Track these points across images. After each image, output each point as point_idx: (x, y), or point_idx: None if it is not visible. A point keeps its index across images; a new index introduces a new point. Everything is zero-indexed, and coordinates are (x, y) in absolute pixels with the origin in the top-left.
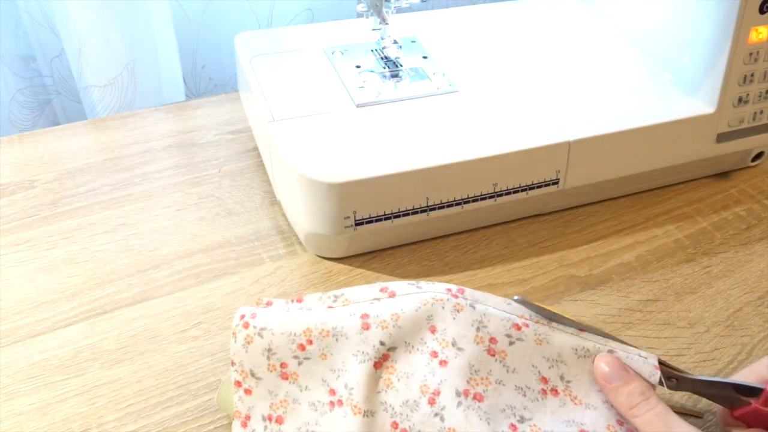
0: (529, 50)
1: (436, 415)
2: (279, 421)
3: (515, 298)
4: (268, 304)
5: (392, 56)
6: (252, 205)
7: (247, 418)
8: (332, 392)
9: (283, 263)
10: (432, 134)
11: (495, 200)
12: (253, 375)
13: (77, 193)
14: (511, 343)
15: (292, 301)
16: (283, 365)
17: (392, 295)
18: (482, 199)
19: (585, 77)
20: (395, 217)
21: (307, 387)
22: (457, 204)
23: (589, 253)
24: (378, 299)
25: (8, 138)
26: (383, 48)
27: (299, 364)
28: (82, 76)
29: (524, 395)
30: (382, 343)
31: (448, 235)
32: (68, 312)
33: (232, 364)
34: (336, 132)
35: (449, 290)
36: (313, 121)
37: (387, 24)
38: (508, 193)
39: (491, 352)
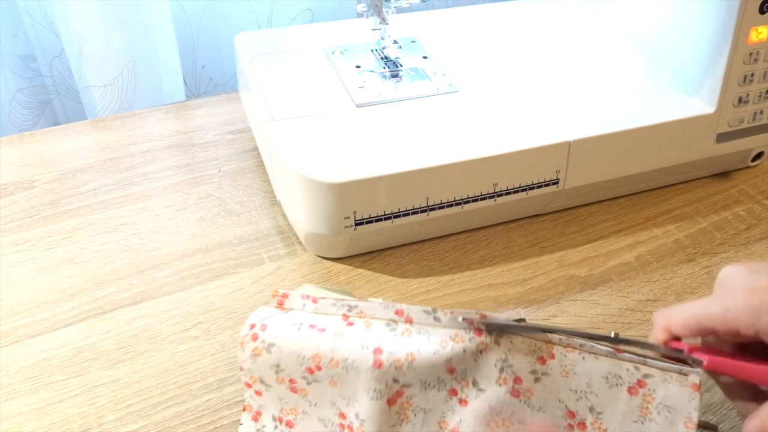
0: (529, 50)
1: None
2: (289, 425)
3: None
4: (284, 296)
5: (392, 56)
6: (252, 205)
7: (258, 414)
8: (343, 416)
9: (283, 263)
10: (432, 134)
11: (495, 200)
12: (262, 382)
13: (77, 193)
14: (536, 380)
15: (308, 297)
16: (292, 381)
17: (409, 320)
18: (482, 199)
19: (585, 77)
20: (395, 217)
21: (316, 404)
22: (457, 204)
23: (589, 253)
24: (395, 322)
25: (8, 138)
26: (383, 48)
27: (308, 384)
28: (82, 76)
29: None
30: (395, 381)
31: (448, 235)
32: (68, 312)
33: (241, 369)
34: (336, 132)
35: (471, 323)
36: (313, 121)
37: (387, 24)
38: (508, 193)
39: (515, 393)
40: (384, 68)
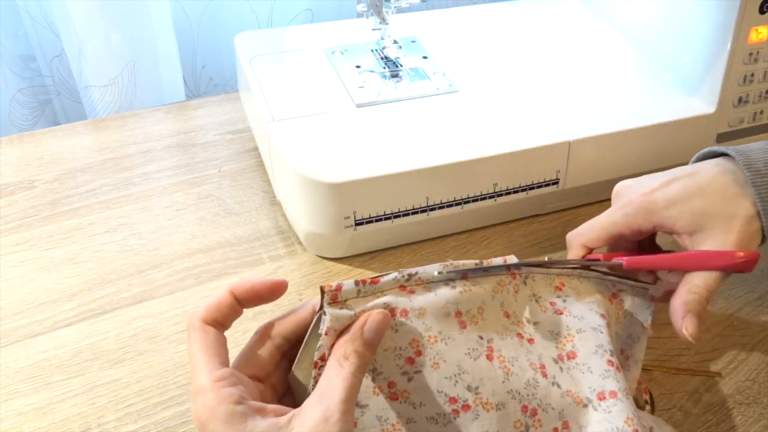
0: (529, 50)
1: (553, 384)
2: None
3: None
4: (338, 288)
5: (392, 56)
6: (252, 205)
7: None
8: (453, 400)
9: (283, 263)
10: (432, 134)
11: (495, 200)
12: (357, 404)
13: (77, 193)
14: (564, 301)
15: (363, 281)
16: (391, 384)
17: (464, 276)
18: (482, 199)
19: (585, 77)
20: (395, 217)
21: (422, 403)
22: (457, 204)
23: None
24: (453, 280)
25: (8, 138)
26: (383, 48)
27: (409, 380)
28: (82, 76)
29: (601, 332)
30: (480, 338)
31: (448, 235)
32: (68, 312)
33: None
34: (336, 132)
35: (509, 269)
36: (313, 121)
37: (387, 24)
38: (508, 193)
39: (558, 312)
40: (384, 68)
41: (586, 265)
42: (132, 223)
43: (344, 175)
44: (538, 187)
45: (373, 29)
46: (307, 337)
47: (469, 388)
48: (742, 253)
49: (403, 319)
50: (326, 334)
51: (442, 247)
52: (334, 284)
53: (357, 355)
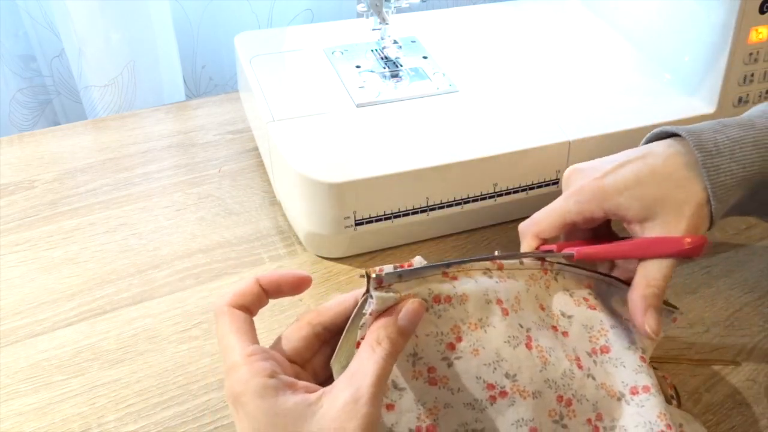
0: (529, 50)
1: (588, 376)
2: (431, 430)
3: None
4: (381, 270)
5: (392, 56)
6: (252, 205)
7: None
8: (491, 387)
9: (283, 263)
10: (432, 134)
11: (495, 200)
12: (395, 387)
13: (77, 193)
14: (596, 298)
15: (402, 266)
16: (431, 370)
17: (500, 267)
18: (482, 199)
19: (585, 77)
20: (395, 217)
21: (459, 389)
22: (457, 204)
23: None
24: (489, 270)
25: (8, 138)
26: (383, 48)
27: (449, 366)
28: (82, 76)
29: (631, 330)
30: (520, 326)
31: (448, 235)
32: (68, 312)
33: None
34: (336, 132)
35: (542, 262)
36: (313, 121)
37: (387, 24)
38: (508, 193)
39: (592, 307)
40: (384, 68)
41: (540, 257)
42: (132, 223)
43: (344, 175)
44: (538, 187)
45: (373, 29)
46: (350, 321)
47: (507, 375)
48: (689, 239)
49: (446, 305)
50: (371, 314)
51: (442, 247)
52: (377, 268)
53: (390, 341)
